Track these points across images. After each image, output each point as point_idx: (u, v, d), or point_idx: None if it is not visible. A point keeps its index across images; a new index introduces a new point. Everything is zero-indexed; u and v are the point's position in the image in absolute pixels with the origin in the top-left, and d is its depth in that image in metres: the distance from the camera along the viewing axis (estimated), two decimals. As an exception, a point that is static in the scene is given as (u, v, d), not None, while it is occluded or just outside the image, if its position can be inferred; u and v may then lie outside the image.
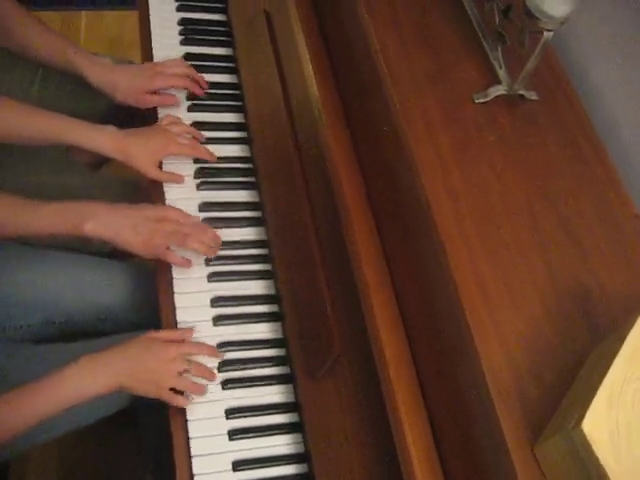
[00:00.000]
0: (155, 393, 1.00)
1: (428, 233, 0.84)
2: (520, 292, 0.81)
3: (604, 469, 0.60)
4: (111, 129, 1.16)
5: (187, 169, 1.23)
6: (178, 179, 1.20)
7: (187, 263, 1.11)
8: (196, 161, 1.24)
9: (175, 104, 1.29)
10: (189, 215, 1.14)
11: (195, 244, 1.10)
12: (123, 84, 1.23)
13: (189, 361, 1.02)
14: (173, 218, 1.10)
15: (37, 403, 0.93)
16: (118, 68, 1.26)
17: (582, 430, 0.61)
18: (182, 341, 1.04)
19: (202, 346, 1.06)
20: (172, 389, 1.01)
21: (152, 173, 1.17)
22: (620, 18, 1.04)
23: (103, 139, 1.14)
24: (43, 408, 0.93)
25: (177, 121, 1.24)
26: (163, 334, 1.05)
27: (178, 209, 1.13)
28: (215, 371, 1.05)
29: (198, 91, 1.31)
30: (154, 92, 1.27)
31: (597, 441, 0.61)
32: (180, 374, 1.01)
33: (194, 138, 1.24)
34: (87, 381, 0.96)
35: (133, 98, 1.25)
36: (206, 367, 1.04)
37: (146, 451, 1.43)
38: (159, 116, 1.27)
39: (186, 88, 1.30)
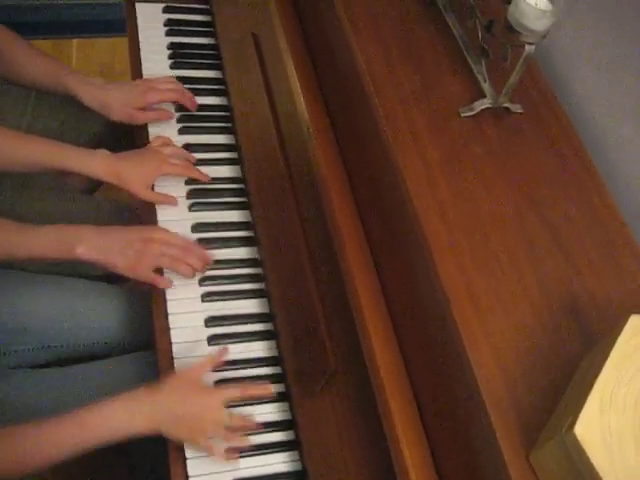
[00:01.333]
0: (190, 440, 0.97)
1: (418, 245, 0.84)
2: (511, 301, 0.81)
3: (597, 473, 0.60)
4: (103, 153, 1.16)
5: (179, 190, 1.24)
6: (171, 201, 1.21)
7: (172, 285, 1.12)
8: (187, 182, 1.25)
9: (171, 118, 1.31)
10: (177, 236, 1.14)
11: (182, 268, 1.11)
12: (116, 102, 1.24)
13: (230, 412, 0.99)
14: (160, 239, 1.11)
15: (74, 435, 0.91)
16: (110, 87, 1.27)
17: (575, 434, 0.61)
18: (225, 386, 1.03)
19: (249, 389, 1.03)
20: None
21: (145, 195, 1.18)
22: (600, 29, 1.05)
23: (95, 163, 1.14)
24: (78, 443, 0.91)
25: (168, 142, 1.25)
26: (200, 370, 1.01)
27: (165, 230, 1.14)
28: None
29: (189, 104, 1.32)
30: (146, 108, 1.28)
31: (590, 445, 0.61)
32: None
33: (186, 159, 1.25)
34: (124, 421, 0.93)
35: (127, 115, 1.25)
36: (245, 419, 1.01)
37: (137, 470, 1.42)
38: (150, 137, 1.28)
39: (177, 101, 1.31)
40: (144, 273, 1.09)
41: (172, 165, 1.20)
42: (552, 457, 0.67)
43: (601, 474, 0.60)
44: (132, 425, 0.93)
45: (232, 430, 0.99)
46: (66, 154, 1.14)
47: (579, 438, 0.61)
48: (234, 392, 1.01)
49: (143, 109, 1.27)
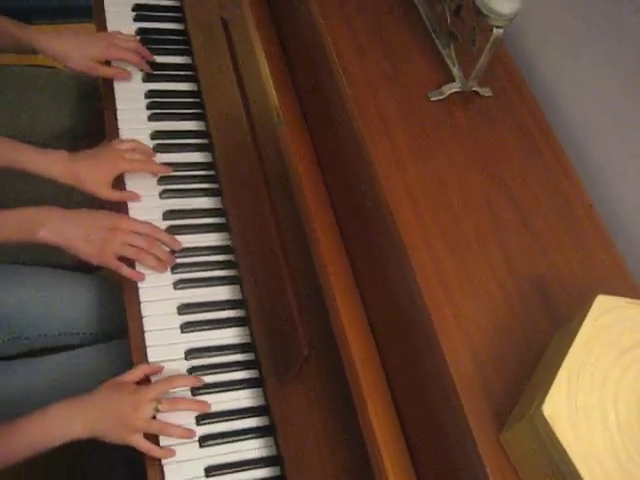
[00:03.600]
0: (125, 441, 0.98)
1: (388, 229, 0.85)
2: (481, 284, 0.82)
3: (565, 450, 0.61)
4: (61, 154, 1.14)
5: (149, 178, 1.23)
6: (134, 197, 1.19)
7: (139, 276, 1.11)
8: (157, 169, 1.24)
9: (129, 79, 1.31)
10: (145, 225, 1.13)
11: (147, 259, 1.10)
12: (76, 51, 1.24)
13: (158, 399, 0.99)
14: (127, 228, 1.10)
15: (12, 444, 0.92)
16: (69, 35, 1.26)
17: (543, 414, 0.62)
18: (151, 379, 1.03)
19: (175, 380, 1.03)
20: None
21: (105, 194, 1.16)
22: (568, 13, 1.06)
23: (52, 165, 1.13)
24: (22, 447, 0.93)
25: (126, 141, 1.24)
26: (129, 377, 1.02)
27: (133, 219, 1.13)
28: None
29: (147, 68, 1.33)
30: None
31: (557, 423, 0.62)
32: (153, 417, 0.99)
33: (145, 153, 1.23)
34: (61, 428, 0.95)
35: (85, 66, 1.25)
36: (177, 399, 1.02)
37: (116, 462, 1.42)
38: (119, 124, 1.27)
39: (136, 64, 1.32)
40: (108, 261, 1.08)
41: (129, 161, 1.19)
42: (522, 437, 0.68)
43: (569, 452, 0.61)
44: (70, 431, 0.95)
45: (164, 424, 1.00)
46: (23, 156, 1.12)
47: (547, 417, 0.62)
48: (162, 386, 1.01)
49: (102, 63, 1.27)
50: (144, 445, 0.98)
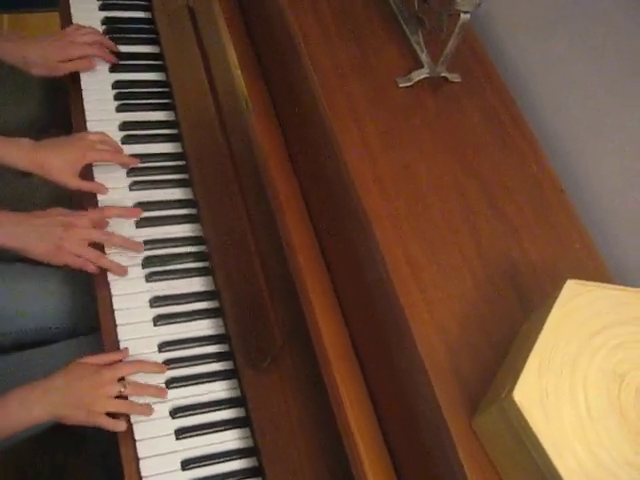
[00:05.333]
0: (88, 420, 0.97)
1: (357, 217, 0.84)
2: (451, 270, 0.82)
3: (535, 434, 0.61)
4: (26, 142, 1.12)
5: (118, 170, 1.21)
6: (101, 189, 1.18)
7: (98, 271, 1.09)
8: (127, 161, 1.22)
9: (92, 67, 1.30)
10: (102, 220, 1.11)
11: (102, 260, 1.08)
12: (36, 57, 1.23)
13: (123, 382, 0.99)
14: (81, 224, 1.08)
15: None
16: (28, 41, 1.25)
17: (513, 398, 0.62)
18: (116, 363, 1.02)
19: (140, 364, 1.03)
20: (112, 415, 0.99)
21: (72, 184, 1.14)
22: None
23: (16, 153, 1.10)
24: None
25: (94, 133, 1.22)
26: (93, 359, 1.01)
27: (88, 217, 1.10)
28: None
29: (111, 59, 1.32)
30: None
31: (528, 409, 0.62)
32: (116, 397, 0.98)
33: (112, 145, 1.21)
34: (21, 413, 0.93)
35: (48, 69, 1.24)
36: (143, 385, 1.02)
37: (93, 459, 1.41)
38: (87, 114, 1.25)
39: (97, 56, 1.30)
40: (66, 258, 1.06)
41: (98, 151, 1.17)
42: (493, 422, 0.68)
43: (539, 436, 0.61)
44: (31, 415, 0.94)
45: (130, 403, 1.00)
46: None
47: (517, 403, 0.62)
48: (126, 368, 1.01)
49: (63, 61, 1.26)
50: (108, 423, 0.97)
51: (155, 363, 1.05)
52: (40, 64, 1.23)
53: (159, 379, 1.04)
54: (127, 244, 1.12)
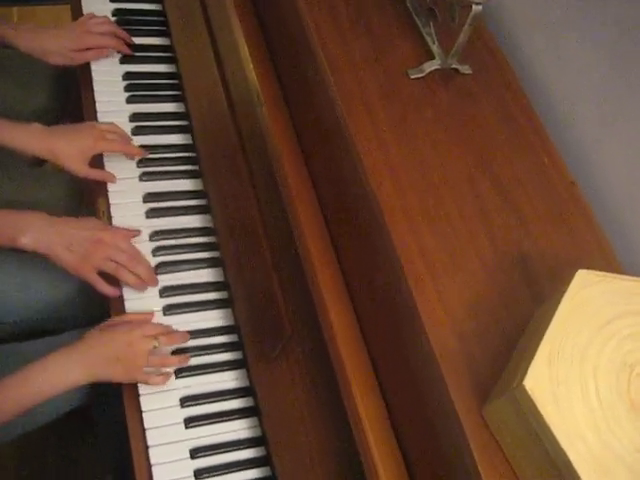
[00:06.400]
0: (129, 377, 1.00)
1: (369, 208, 0.84)
2: (463, 260, 0.82)
3: (547, 423, 0.62)
4: (36, 127, 1.13)
5: (129, 161, 1.22)
6: (110, 178, 1.18)
7: (114, 292, 1.09)
8: (138, 151, 1.23)
9: (107, 55, 1.31)
10: (128, 241, 1.11)
11: (126, 276, 1.08)
12: (53, 47, 1.24)
13: (155, 338, 1.01)
14: (110, 242, 1.07)
15: (19, 391, 0.93)
16: (45, 31, 1.26)
17: (524, 387, 0.63)
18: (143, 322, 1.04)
19: (165, 327, 1.05)
20: None
21: (82, 171, 1.14)
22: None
23: (28, 138, 1.11)
24: (26, 396, 0.94)
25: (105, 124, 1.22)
26: (124, 318, 1.04)
27: (118, 232, 1.10)
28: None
29: (126, 50, 1.32)
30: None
31: (539, 397, 0.63)
32: (150, 353, 1.01)
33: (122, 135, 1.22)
34: (60, 375, 0.95)
35: (65, 58, 1.26)
36: (173, 335, 1.05)
37: (105, 451, 1.42)
38: (97, 105, 1.25)
39: (113, 48, 1.31)
40: (88, 274, 1.07)
41: (109, 141, 1.18)
42: (504, 410, 0.69)
43: (550, 425, 0.62)
44: (70, 376, 0.95)
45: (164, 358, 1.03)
46: None
47: (529, 391, 0.63)
48: (155, 327, 1.04)
49: (79, 50, 1.27)
50: (148, 378, 1.00)
51: (178, 332, 1.07)
52: (57, 53, 1.25)
53: (169, 368, 1.05)
54: (147, 276, 1.10)
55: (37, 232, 1.04)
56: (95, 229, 1.08)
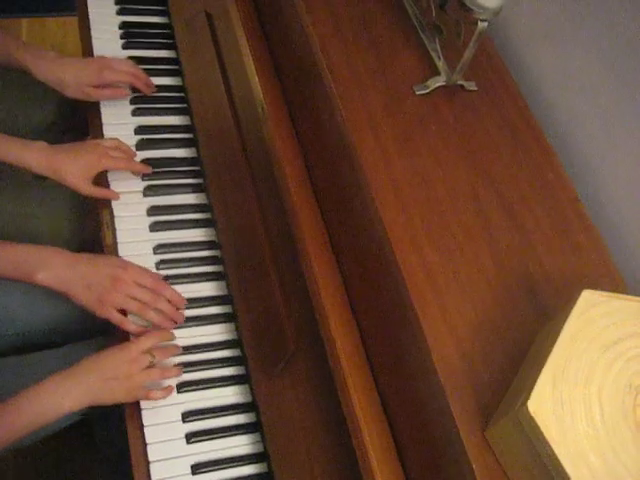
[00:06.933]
0: (130, 396, 0.99)
1: (373, 223, 0.84)
2: (467, 278, 0.82)
3: (551, 446, 0.61)
4: (41, 145, 1.12)
5: (132, 176, 1.22)
6: (113, 196, 1.18)
7: (139, 331, 1.06)
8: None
9: (127, 96, 1.29)
10: (148, 275, 1.07)
11: (150, 314, 1.05)
12: (71, 79, 1.21)
13: (151, 353, 1.00)
14: (130, 279, 1.04)
15: (10, 421, 0.90)
16: (64, 62, 1.23)
17: (527, 409, 0.62)
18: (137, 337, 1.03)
19: (160, 333, 1.04)
20: None
21: (86, 190, 1.14)
22: (554, 6, 1.06)
23: (32, 156, 1.10)
24: (18, 426, 0.91)
25: (109, 139, 1.22)
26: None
27: (137, 269, 1.07)
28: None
29: (144, 88, 1.30)
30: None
31: (542, 419, 0.62)
32: (147, 368, 1.00)
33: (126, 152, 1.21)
34: (56, 402, 0.93)
35: (82, 94, 1.23)
36: (168, 348, 1.04)
37: (105, 463, 1.41)
38: (103, 119, 1.25)
39: (133, 84, 1.29)
40: (107, 313, 1.03)
41: (113, 159, 1.17)
42: (507, 432, 0.68)
43: (553, 447, 0.61)
44: (65, 403, 0.93)
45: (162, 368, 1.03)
46: (0, 145, 1.09)
47: (532, 414, 0.62)
48: (150, 339, 1.02)
49: (97, 87, 1.24)
50: (150, 395, 1.00)
51: (170, 344, 1.06)
52: (75, 87, 1.22)
53: (172, 382, 1.04)
54: (170, 312, 1.08)
55: (55, 270, 1.01)
56: (114, 266, 1.05)
